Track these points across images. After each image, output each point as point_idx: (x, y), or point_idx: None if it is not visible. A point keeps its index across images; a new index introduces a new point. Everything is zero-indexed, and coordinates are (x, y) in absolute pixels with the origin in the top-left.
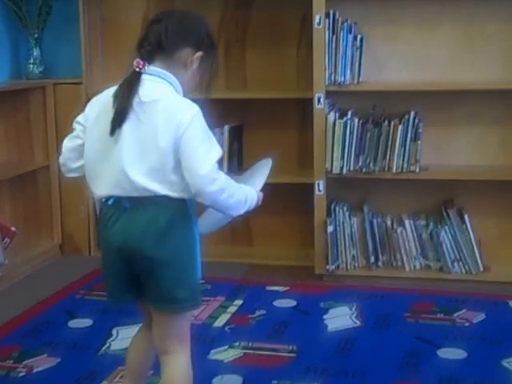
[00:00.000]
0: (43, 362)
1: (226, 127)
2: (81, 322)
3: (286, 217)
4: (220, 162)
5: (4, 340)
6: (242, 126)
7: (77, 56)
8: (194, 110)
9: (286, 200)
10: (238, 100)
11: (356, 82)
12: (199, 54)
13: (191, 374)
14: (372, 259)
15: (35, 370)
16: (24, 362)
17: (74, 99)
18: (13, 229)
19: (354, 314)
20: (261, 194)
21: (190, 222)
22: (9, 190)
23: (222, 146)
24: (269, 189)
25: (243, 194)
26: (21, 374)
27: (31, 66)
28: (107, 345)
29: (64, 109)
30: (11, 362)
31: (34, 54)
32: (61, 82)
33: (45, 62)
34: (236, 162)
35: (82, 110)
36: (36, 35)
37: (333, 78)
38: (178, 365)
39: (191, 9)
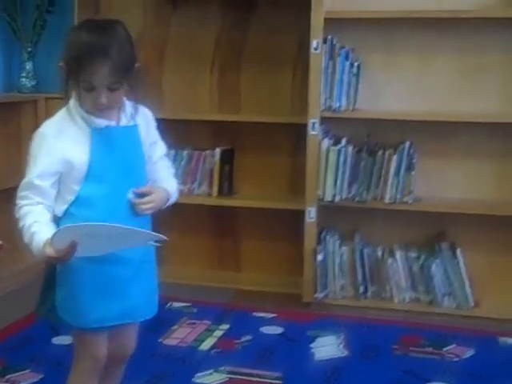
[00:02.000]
0: (26, 378)
1: (218, 150)
2: (64, 339)
3: (275, 243)
4: (210, 185)
5: None
6: (233, 150)
7: None
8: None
9: (276, 226)
10: (230, 123)
11: (351, 108)
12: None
13: None
14: (361, 289)
15: None
16: (7, 377)
17: None
18: (0, 242)
19: (342, 344)
20: (52, 252)
21: None
22: None
23: (212, 169)
24: (259, 214)
25: (27, 238)
26: None
27: (24, 79)
28: None
29: None
30: None
31: (27, 67)
32: (53, 97)
33: (37, 76)
34: (227, 185)
35: None
36: (30, 49)
37: (328, 103)
38: None
39: (187, 30)
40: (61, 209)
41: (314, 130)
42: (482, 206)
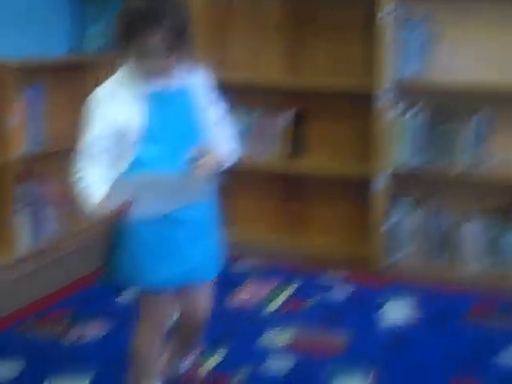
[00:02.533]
0: (93, 330)
1: (288, 113)
2: (130, 295)
3: (345, 207)
4: (279, 148)
5: (55, 306)
6: (304, 114)
7: None
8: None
9: (346, 191)
10: (301, 87)
11: (425, 75)
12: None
13: None
14: (433, 256)
15: (85, 338)
16: (74, 329)
17: None
18: (67, 199)
19: (411, 310)
20: (106, 210)
21: None
22: (64, 161)
23: (282, 132)
24: (329, 178)
25: (83, 200)
26: (71, 340)
27: (90, 40)
28: None
29: None
30: (62, 327)
31: (95, 27)
32: (117, 59)
33: (104, 37)
34: (296, 149)
35: None
36: (97, 9)
37: (401, 69)
38: None
39: None
40: (117, 172)
41: (387, 96)
42: None
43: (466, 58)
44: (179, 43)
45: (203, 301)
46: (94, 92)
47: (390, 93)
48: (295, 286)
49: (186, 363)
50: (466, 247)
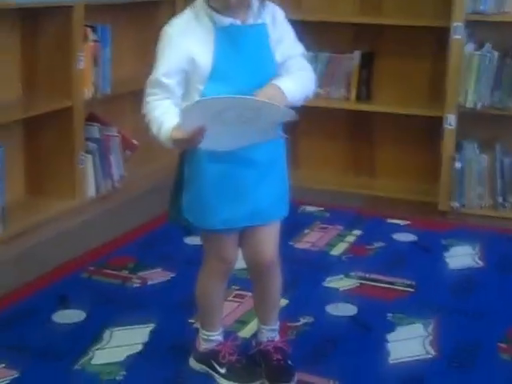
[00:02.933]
0: (157, 276)
1: (357, 53)
2: (196, 239)
3: (411, 149)
4: (347, 89)
5: (120, 250)
6: (372, 53)
7: None
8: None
9: (414, 132)
10: (370, 25)
11: (498, 11)
12: None
13: None
14: (500, 199)
15: (149, 283)
16: (139, 274)
17: None
18: (134, 142)
19: (477, 255)
20: (180, 134)
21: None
22: (132, 103)
23: (351, 73)
24: (396, 119)
25: (156, 127)
26: (135, 285)
27: None
28: None
29: None
30: (126, 272)
31: None
32: None
33: None
34: (365, 90)
35: None
36: None
37: (474, 6)
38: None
39: None
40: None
41: (458, 34)
42: None
43: None
44: None
45: (268, 243)
46: (168, 25)
47: (463, 29)
48: (360, 230)
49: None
50: None
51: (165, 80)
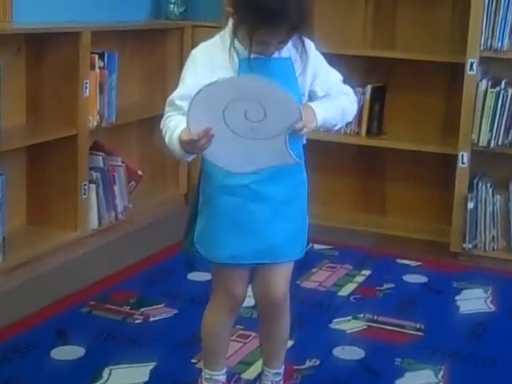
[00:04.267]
0: (160, 312)
1: (369, 87)
2: (200, 276)
3: (424, 187)
4: (359, 123)
5: (122, 285)
6: (385, 87)
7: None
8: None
9: (426, 169)
10: (383, 59)
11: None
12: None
13: None
14: None
15: (151, 319)
16: (141, 310)
17: None
18: (139, 172)
19: (489, 299)
20: (187, 135)
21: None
22: (138, 133)
23: (362, 107)
24: (408, 156)
25: (168, 136)
26: (137, 321)
27: (172, 5)
28: None
29: None
30: (128, 308)
31: None
32: (200, 25)
33: (186, 3)
34: (376, 125)
35: None
36: None
37: (489, 42)
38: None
39: None
40: None
41: (472, 70)
42: None
43: None
44: (300, 30)
45: (279, 282)
46: (195, 48)
47: (477, 66)
48: (369, 270)
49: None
50: None
51: (178, 102)
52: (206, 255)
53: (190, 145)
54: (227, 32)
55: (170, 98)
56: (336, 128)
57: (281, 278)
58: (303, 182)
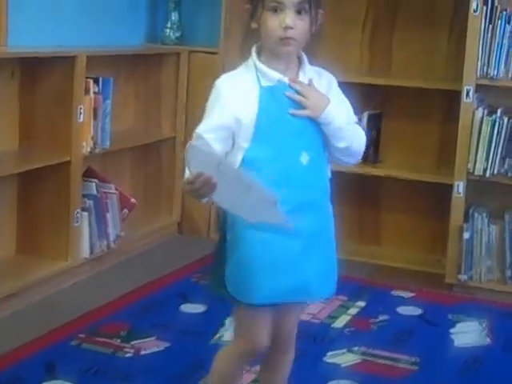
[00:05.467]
0: (151, 345)
1: (365, 114)
2: (193, 307)
3: (419, 217)
4: None
5: (113, 316)
6: (381, 115)
7: (216, 24)
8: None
9: (421, 199)
10: (379, 86)
11: (510, 77)
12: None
13: None
14: (509, 273)
15: (142, 353)
16: (132, 343)
17: (208, 69)
18: (132, 200)
19: (485, 331)
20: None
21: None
22: (131, 159)
23: None
24: (404, 185)
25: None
26: (128, 355)
27: (168, 30)
28: (219, 334)
29: (197, 78)
30: (119, 340)
31: (172, 18)
32: (196, 50)
33: (182, 28)
34: (372, 152)
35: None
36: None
37: (485, 70)
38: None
39: None
40: None
41: (469, 98)
42: None
43: None
44: (314, 3)
45: (295, 318)
46: (219, 79)
47: (473, 93)
48: (364, 301)
49: None
50: None
51: (205, 135)
52: (240, 297)
53: (193, 190)
54: (250, 61)
55: (197, 131)
56: (341, 143)
57: (297, 316)
58: (330, 215)
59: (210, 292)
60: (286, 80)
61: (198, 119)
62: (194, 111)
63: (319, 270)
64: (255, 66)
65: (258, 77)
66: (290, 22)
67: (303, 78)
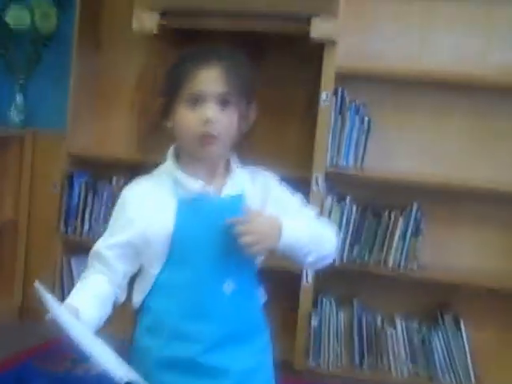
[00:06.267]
0: None
1: None
2: None
3: (270, 304)
4: None
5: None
6: None
7: (62, 108)
8: None
9: (271, 287)
10: None
11: (359, 166)
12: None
13: None
14: (357, 359)
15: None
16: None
17: (54, 153)
18: None
19: None
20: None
21: None
22: None
23: None
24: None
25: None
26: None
27: (12, 113)
28: None
29: (42, 162)
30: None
31: (17, 100)
32: (42, 134)
33: (27, 111)
34: None
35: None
36: (21, 81)
37: (335, 160)
38: None
39: None
40: (138, 299)
41: (318, 186)
42: (488, 278)
43: (399, 152)
44: (240, 95)
45: None
46: (127, 188)
47: (324, 181)
48: None
49: None
50: (390, 351)
51: (104, 252)
52: None
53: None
54: (165, 166)
55: (95, 248)
56: (308, 258)
57: None
58: (265, 347)
59: None
60: (210, 189)
61: (45, 204)
62: (39, 195)
63: None
64: (172, 171)
65: (175, 186)
66: (212, 115)
67: (232, 187)
